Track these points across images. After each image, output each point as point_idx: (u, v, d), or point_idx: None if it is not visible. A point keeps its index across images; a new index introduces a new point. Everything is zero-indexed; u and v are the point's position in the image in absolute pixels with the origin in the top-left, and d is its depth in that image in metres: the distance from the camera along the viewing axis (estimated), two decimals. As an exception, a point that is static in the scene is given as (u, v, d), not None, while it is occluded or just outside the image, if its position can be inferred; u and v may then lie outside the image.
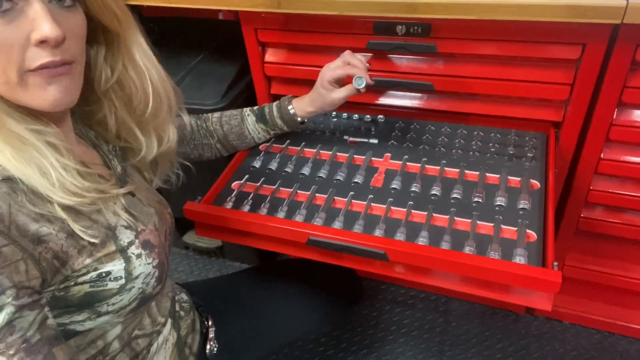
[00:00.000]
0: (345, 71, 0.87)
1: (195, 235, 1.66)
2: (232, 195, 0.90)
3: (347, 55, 0.87)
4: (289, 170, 0.95)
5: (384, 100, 1.07)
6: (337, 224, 0.81)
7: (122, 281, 0.60)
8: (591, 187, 1.00)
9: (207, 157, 0.95)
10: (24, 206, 0.52)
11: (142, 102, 0.68)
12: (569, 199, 1.04)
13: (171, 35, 1.34)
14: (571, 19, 0.77)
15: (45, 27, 0.50)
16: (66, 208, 0.55)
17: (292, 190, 0.90)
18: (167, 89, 0.71)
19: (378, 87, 1.04)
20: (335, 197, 0.87)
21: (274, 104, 0.94)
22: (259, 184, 0.92)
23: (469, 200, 0.83)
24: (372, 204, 0.85)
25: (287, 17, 0.98)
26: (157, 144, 0.73)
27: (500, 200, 0.82)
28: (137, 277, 0.61)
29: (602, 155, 0.95)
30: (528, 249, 0.73)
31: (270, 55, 1.08)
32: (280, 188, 0.91)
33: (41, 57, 0.51)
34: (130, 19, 0.63)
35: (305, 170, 0.94)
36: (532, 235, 0.76)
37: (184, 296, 0.86)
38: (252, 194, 0.90)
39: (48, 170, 0.54)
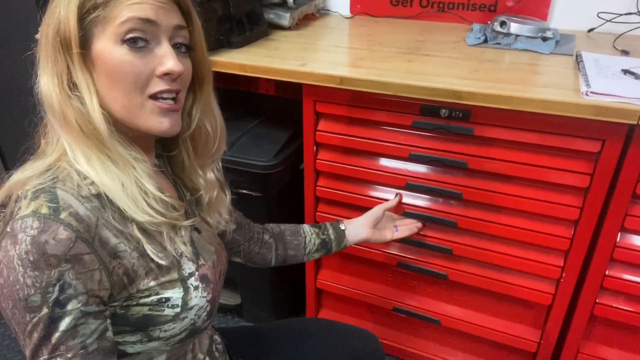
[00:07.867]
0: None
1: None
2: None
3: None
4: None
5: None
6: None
7: (178, 309, 0.64)
8: (607, 273, 1.07)
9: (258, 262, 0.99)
10: (109, 221, 0.59)
11: (209, 145, 0.75)
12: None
13: (233, 103, 1.51)
14: (593, 117, 0.91)
15: (171, 63, 0.61)
16: (142, 230, 0.62)
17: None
18: (222, 135, 0.78)
19: (416, 161, 1.17)
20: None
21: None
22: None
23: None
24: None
25: (345, 93, 1.13)
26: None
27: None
28: (191, 308, 0.66)
29: (617, 242, 1.04)
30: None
31: (322, 125, 1.22)
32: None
33: (161, 85, 0.62)
34: (211, 74, 0.74)
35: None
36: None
37: (217, 337, 0.88)
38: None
39: (129, 188, 0.61)
